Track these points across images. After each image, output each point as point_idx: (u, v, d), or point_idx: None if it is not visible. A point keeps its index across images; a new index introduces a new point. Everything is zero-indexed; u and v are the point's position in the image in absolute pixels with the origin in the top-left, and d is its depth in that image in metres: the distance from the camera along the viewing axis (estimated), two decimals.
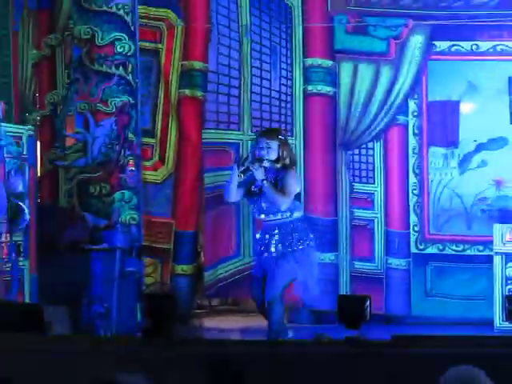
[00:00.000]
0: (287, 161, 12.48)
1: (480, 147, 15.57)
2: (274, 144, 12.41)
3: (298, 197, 12.91)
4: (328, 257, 15.66)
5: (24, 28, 14.63)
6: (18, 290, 12.98)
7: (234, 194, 12.58)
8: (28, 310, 10.84)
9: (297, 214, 12.48)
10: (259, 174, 12.14)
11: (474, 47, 15.68)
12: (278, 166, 12.29)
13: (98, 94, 13.96)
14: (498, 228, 14.61)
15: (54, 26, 14.66)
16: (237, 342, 11.91)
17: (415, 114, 15.88)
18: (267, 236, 12.62)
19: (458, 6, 15.53)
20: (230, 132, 15.56)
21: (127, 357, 8.33)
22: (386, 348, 8.96)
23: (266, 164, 12.17)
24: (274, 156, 12.27)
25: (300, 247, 12.48)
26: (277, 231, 12.54)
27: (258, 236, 13.03)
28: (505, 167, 15.45)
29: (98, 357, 8.43)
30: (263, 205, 12.50)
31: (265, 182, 12.19)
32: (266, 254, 12.59)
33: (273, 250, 12.44)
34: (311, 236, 12.61)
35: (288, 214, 12.49)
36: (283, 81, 15.79)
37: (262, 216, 12.70)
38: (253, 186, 12.38)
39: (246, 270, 15.52)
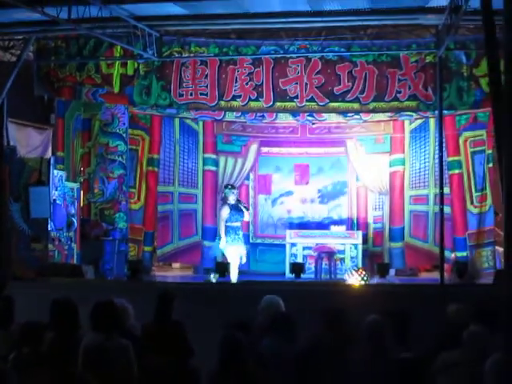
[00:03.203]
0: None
1: (281, 195, 17.04)
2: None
3: None
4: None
5: (77, 138, 15.10)
6: (71, 257, 14.17)
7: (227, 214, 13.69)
8: (75, 267, 13.10)
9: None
10: (237, 207, 13.78)
11: (279, 150, 16.92)
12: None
13: (109, 169, 15.12)
14: (288, 232, 15.87)
15: (91, 137, 15.19)
16: (173, 282, 13.56)
17: (253, 180, 17.10)
18: (237, 232, 13.83)
19: (273, 133, 16.70)
20: (169, 186, 16.22)
21: (119, 289, 10.58)
22: (237, 286, 11.98)
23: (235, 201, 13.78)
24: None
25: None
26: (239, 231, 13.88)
27: (222, 234, 13.72)
28: (291, 205, 16.87)
29: (105, 290, 10.17)
30: (233, 217, 13.69)
31: (244, 208, 14.00)
32: (237, 242, 13.84)
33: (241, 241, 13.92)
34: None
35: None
36: (193, 164, 16.61)
37: (234, 223, 13.78)
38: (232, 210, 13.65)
39: (178, 249, 16.71)
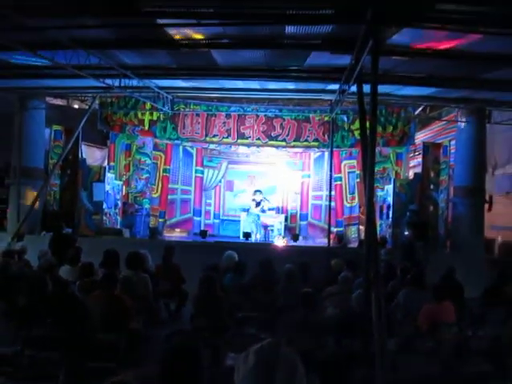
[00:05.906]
0: None
1: (239, 192, 15.99)
2: None
3: None
4: None
5: (122, 155, 14.00)
6: (116, 224, 13.28)
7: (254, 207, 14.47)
8: (118, 230, 12.08)
9: None
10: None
11: (239, 167, 16.02)
12: None
13: (140, 174, 14.34)
14: (241, 213, 14.85)
15: (130, 154, 14.08)
16: (175, 240, 12.78)
17: (223, 182, 16.07)
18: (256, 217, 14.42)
19: (236, 156, 15.81)
20: (175, 184, 15.29)
21: (143, 244, 10.59)
22: (211, 244, 11.23)
23: None
24: None
25: None
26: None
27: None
28: (244, 198, 15.65)
29: (135, 244, 10.16)
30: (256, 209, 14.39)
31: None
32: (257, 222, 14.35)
33: None
34: None
35: None
36: (189, 172, 15.66)
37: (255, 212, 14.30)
38: None
39: (179, 221, 15.62)
